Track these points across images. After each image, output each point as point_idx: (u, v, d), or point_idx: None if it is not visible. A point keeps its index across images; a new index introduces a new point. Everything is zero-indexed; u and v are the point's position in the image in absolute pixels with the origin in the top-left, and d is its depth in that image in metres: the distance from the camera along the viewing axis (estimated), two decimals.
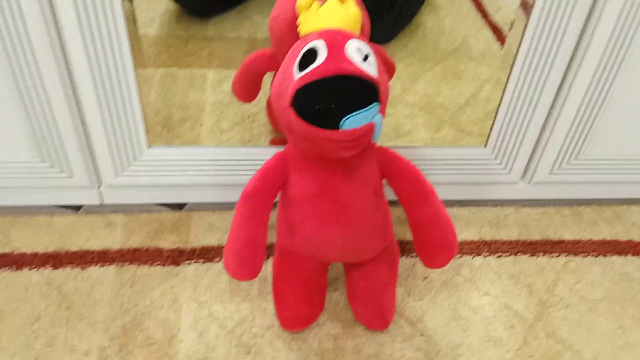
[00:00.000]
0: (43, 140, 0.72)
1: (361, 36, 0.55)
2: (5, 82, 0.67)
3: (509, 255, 0.81)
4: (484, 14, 1.08)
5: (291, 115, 0.52)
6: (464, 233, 0.84)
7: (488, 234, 0.84)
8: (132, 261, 0.76)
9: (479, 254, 0.81)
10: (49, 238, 0.79)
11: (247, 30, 0.99)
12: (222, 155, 0.78)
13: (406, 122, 0.92)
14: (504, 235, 0.84)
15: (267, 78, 0.79)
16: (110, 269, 0.75)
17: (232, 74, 0.81)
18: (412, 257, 0.79)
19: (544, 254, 0.82)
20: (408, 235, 0.83)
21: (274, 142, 0.86)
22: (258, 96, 0.81)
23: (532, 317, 0.73)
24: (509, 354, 0.69)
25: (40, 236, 0.79)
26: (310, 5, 0.55)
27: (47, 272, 0.74)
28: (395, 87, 0.95)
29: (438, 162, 0.81)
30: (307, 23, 0.55)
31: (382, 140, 0.80)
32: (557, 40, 0.69)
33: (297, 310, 0.69)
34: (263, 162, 0.62)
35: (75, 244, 0.78)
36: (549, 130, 0.78)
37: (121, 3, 0.62)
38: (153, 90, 0.90)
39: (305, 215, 0.61)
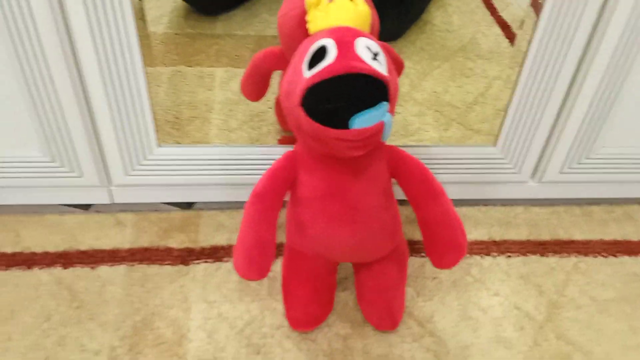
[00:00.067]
0: (53, 139, 0.73)
1: (371, 34, 0.54)
2: (15, 80, 0.67)
3: (519, 255, 0.81)
4: (493, 11, 1.07)
5: (300, 115, 0.52)
6: (473, 233, 0.83)
7: (497, 234, 0.83)
8: (142, 260, 0.77)
9: (488, 254, 0.80)
10: (59, 237, 0.79)
11: (255, 28, 0.99)
12: (232, 155, 0.78)
13: (414, 121, 0.91)
14: (514, 235, 0.84)
15: (276, 76, 0.78)
16: (120, 269, 0.75)
17: (240, 72, 0.81)
18: (421, 256, 0.79)
19: (554, 254, 0.81)
20: (417, 235, 0.82)
21: (283, 141, 0.86)
22: (266, 94, 0.81)
23: (542, 317, 0.73)
24: (519, 355, 0.69)
25: (50, 235, 0.79)
26: (320, 3, 0.55)
27: (57, 271, 0.75)
28: (403, 84, 0.94)
29: (447, 161, 0.81)
30: (317, 21, 0.54)
31: (391, 138, 0.80)
32: (568, 39, 0.68)
33: (306, 310, 0.69)
34: (272, 161, 0.62)
35: (85, 243, 0.78)
36: (559, 129, 0.78)
37: (131, 1, 0.62)
38: (161, 88, 0.90)
39: (314, 215, 0.61)
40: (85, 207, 0.83)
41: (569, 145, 0.79)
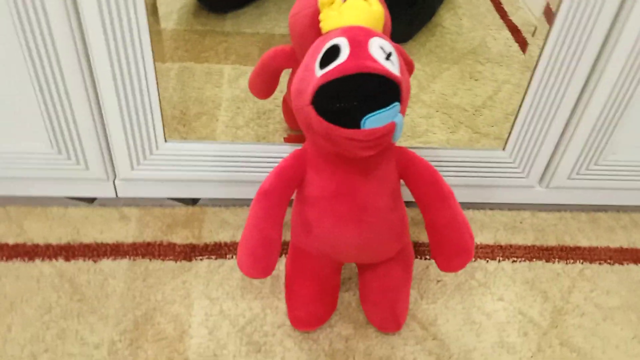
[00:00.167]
0: (60, 131, 0.72)
1: (384, 34, 0.54)
2: (25, 72, 0.67)
3: (524, 261, 0.80)
4: (503, 14, 1.07)
5: (311, 114, 0.51)
6: (479, 236, 0.83)
7: (503, 238, 0.83)
8: (144, 255, 0.76)
9: (493, 258, 0.80)
10: (62, 229, 0.79)
11: (264, 26, 0.99)
12: (238, 152, 0.78)
13: (422, 122, 0.91)
14: (520, 239, 0.83)
15: (284, 75, 0.78)
16: (123, 263, 0.75)
17: (248, 70, 0.81)
18: (425, 259, 0.79)
19: (559, 260, 0.81)
20: (421, 237, 0.82)
21: (289, 140, 0.86)
22: (274, 93, 0.81)
23: (546, 324, 0.73)
24: None
25: (53, 227, 0.79)
26: (333, 2, 0.54)
27: (59, 263, 0.75)
28: (412, 86, 0.94)
29: (455, 164, 0.80)
30: (330, 20, 0.54)
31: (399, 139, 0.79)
32: (580, 47, 0.68)
33: (309, 310, 0.68)
34: (278, 160, 0.62)
35: (89, 236, 0.78)
36: (568, 135, 0.77)
37: None
38: (169, 84, 0.90)
39: (321, 214, 0.61)
40: (90, 201, 0.83)
41: (578, 152, 0.79)
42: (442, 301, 0.74)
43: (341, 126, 0.50)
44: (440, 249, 0.64)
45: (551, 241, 0.83)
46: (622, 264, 0.81)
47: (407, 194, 0.63)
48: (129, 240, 0.78)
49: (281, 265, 0.75)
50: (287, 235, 0.67)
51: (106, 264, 0.75)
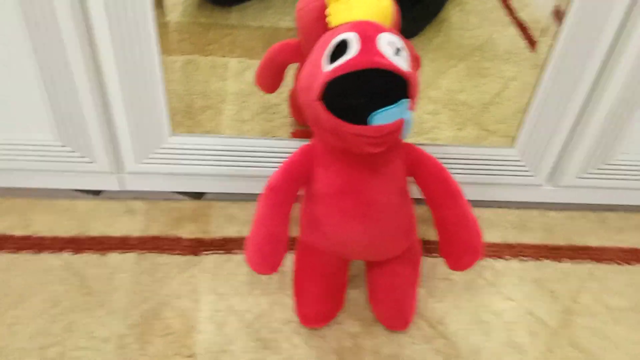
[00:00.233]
0: (66, 124, 0.72)
1: (393, 29, 0.53)
2: (30, 63, 0.66)
3: (533, 260, 0.80)
4: (511, 11, 1.06)
5: (319, 109, 0.51)
6: (487, 235, 0.82)
7: (511, 237, 0.83)
8: (151, 249, 0.76)
9: (501, 257, 0.80)
10: (69, 222, 0.78)
11: (270, 19, 0.98)
12: (245, 146, 0.77)
13: (429, 119, 0.90)
14: (528, 238, 0.83)
15: (290, 69, 0.78)
16: (130, 256, 0.75)
17: (254, 63, 0.81)
18: (433, 257, 0.78)
19: (568, 260, 0.80)
20: (429, 235, 0.81)
21: (296, 135, 0.86)
22: (280, 87, 0.80)
23: (555, 324, 0.72)
24: None
25: (60, 220, 0.79)
26: None
27: (67, 256, 0.74)
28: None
29: (463, 161, 0.80)
30: (338, 14, 0.53)
31: None
32: (590, 46, 0.68)
33: (316, 307, 0.68)
34: (285, 155, 0.62)
35: (96, 230, 0.78)
36: (578, 134, 0.77)
37: None
38: (175, 77, 0.89)
39: (329, 211, 0.61)
40: (96, 193, 0.83)
41: (588, 151, 0.78)
42: (451, 300, 0.74)
43: (349, 122, 0.50)
44: (449, 247, 0.64)
45: (560, 240, 0.83)
46: (631, 264, 0.80)
47: (415, 191, 0.63)
48: (136, 233, 0.78)
49: (289, 261, 0.74)
50: (294, 231, 0.67)
51: (113, 257, 0.75)
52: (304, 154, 0.60)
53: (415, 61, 0.76)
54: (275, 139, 0.78)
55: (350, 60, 0.49)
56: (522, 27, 1.03)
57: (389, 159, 0.58)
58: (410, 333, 0.70)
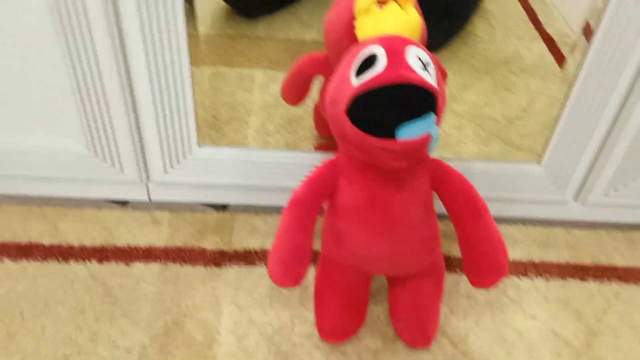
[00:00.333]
0: (97, 133, 0.73)
1: (420, 43, 0.53)
2: (65, 73, 0.68)
3: (558, 279, 0.78)
4: (538, 25, 1.05)
5: (346, 123, 0.51)
6: (511, 252, 0.81)
7: (536, 255, 0.81)
8: (175, 260, 0.77)
9: (526, 275, 0.78)
10: (96, 231, 0.80)
11: (296, 32, 0.99)
12: (269, 158, 0.78)
13: (454, 133, 0.90)
14: (553, 257, 0.81)
15: (316, 82, 0.78)
16: (155, 267, 0.76)
17: (279, 75, 0.81)
18: (456, 273, 0.78)
19: (594, 279, 0.79)
20: (452, 251, 0.81)
21: (320, 148, 0.86)
22: (305, 99, 0.81)
23: (580, 345, 0.71)
24: None
25: (88, 229, 0.80)
26: (370, 9, 0.54)
27: (92, 265, 0.75)
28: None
29: (488, 177, 0.79)
30: (366, 28, 0.54)
31: None
32: (621, 63, 0.67)
33: (337, 322, 0.68)
34: (309, 167, 0.62)
35: (122, 239, 0.79)
36: (606, 151, 0.76)
37: (182, 1, 0.62)
38: (202, 88, 0.90)
39: (353, 225, 0.61)
40: (123, 203, 0.84)
41: (616, 168, 0.77)
42: (473, 317, 0.73)
43: (376, 136, 0.50)
44: (473, 264, 0.63)
45: (586, 260, 0.81)
46: None
47: (438, 206, 0.63)
48: (161, 244, 0.79)
49: (310, 274, 0.75)
50: (317, 245, 0.67)
51: (138, 267, 0.75)
52: (329, 167, 0.60)
53: (442, 75, 0.76)
54: (299, 152, 0.79)
55: (379, 75, 0.49)
56: (550, 42, 1.02)
57: (414, 173, 0.58)
58: (431, 350, 0.69)
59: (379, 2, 0.54)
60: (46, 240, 0.78)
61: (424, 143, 0.51)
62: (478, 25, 1.06)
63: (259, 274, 0.76)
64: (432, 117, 0.50)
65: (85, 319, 0.69)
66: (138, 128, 0.74)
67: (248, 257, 0.78)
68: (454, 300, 0.75)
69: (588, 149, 0.76)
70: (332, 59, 0.68)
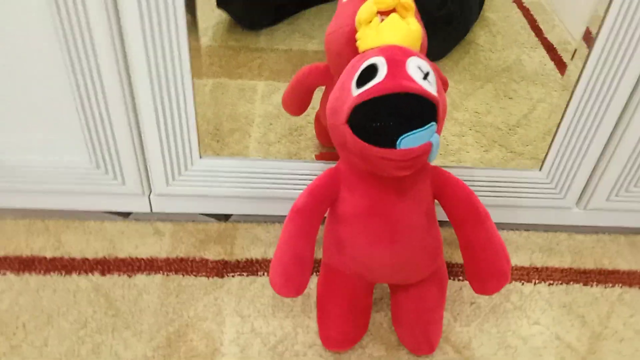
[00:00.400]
0: (99, 146, 0.74)
1: (421, 53, 0.54)
2: (67, 88, 0.68)
3: (561, 284, 0.78)
4: (538, 32, 1.06)
5: (346, 132, 0.51)
6: (514, 258, 0.81)
7: (539, 260, 0.81)
8: (177, 271, 0.77)
9: (529, 281, 0.78)
10: (99, 244, 0.80)
11: (298, 42, 0.99)
12: (271, 168, 0.78)
13: (455, 141, 0.90)
14: (556, 262, 0.81)
15: (317, 92, 0.78)
16: (157, 278, 0.76)
17: (281, 86, 0.82)
18: (459, 280, 0.78)
19: (597, 284, 0.79)
20: (455, 258, 0.81)
21: (321, 157, 0.86)
22: (307, 109, 0.81)
23: (584, 350, 0.71)
24: None
25: (90, 241, 0.80)
26: (371, 20, 0.54)
27: (95, 278, 0.76)
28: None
29: (490, 184, 0.79)
30: (367, 38, 0.54)
31: None
32: (621, 69, 0.67)
33: (340, 330, 0.68)
34: (310, 177, 0.62)
35: (124, 251, 0.79)
36: (608, 156, 0.76)
37: (184, 14, 0.63)
38: (204, 100, 0.91)
39: (354, 233, 0.61)
40: (125, 215, 0.84)
41: (618, 173, 0.77)
42: (477, 324, 0.73)
43: (376, 145, 0.50)
44: (476, 271, 0.63)
45: (589, 264, 0.81)
46: None
47: (440, 213, 0.63)
48: (163, 255, 0.79)
49: (312, 283, 0.75)
50: (318, 254, 0.67)
51: (140, 278, 0.76)
52: (330, 176, 0.61)
53: (443, 84, 0.76)
54: (301, 161, 0.79)
55: (379, 84, 0.49)
56: (551, 49, 1.02)
57: (415, 181, 0.58)
58: (435, 358, 0.69)
59: (379, 13, 0.55)
60: (49, 253, 0.78)
61: (425, 152, 0.51)
62: (479, 34, 1.06)
63: (261, 283, 0.76)
64: (433, 126, 0.50)
65: (87, 331, 0.69)
66: (140, 141, 0.74)
67: (250, 267, 0.78)
68: (457, 306, 0.75)
69: (589, 155, 0.76)
70: (333, 70, 0.68)
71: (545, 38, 1.04)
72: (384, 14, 0.55)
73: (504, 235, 0.84)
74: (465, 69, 1.01)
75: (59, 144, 0.74)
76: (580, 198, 0.82)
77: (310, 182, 0.61)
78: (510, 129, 0.92)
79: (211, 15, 1.00)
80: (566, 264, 0.81)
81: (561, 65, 0.99)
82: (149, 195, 0.80)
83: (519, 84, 0.99)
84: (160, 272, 0.77)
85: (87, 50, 0.65)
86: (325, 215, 0.63)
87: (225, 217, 0.85)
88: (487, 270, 0.62)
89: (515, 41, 1.06)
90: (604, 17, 0.64)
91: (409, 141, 0.49)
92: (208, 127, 0.87)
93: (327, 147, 0.87)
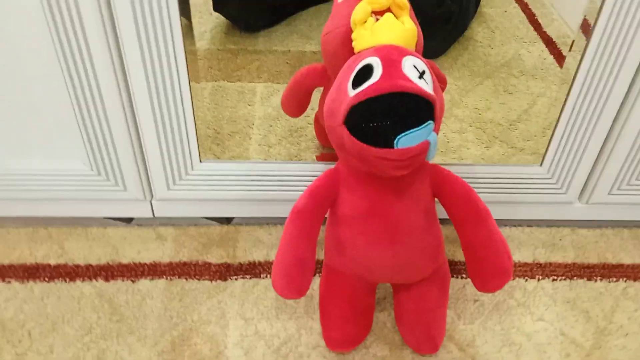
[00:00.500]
0: (99, 153, 0.74)
1: (417, 52, 0.54)
2: (64, 94, 0.68)
3: (565, 279, 0.78)
4: (537, 27, 1.05)
5: (344, 133, 0.51)
6: (517, 254, 0.81)
7: (542, 256, 0.81)
8: (181, 275, 0.77)
9: (532, 277, 0.78)
10: (102, 250, 0.80)
11: (295, 44, 1.00)
12: (271, 171, 0.78)
13: (455, 138, 0.90)
14: (559, 257, 0.81)
15: (316, 92, 0.78)
16: (160, 283, 0.76)
17: (280, 88, 0.82)
18: (462, 278, 0.78)
19: (601, 279, 0.78)
20: (458, 255, 0.81)
21: (321, 158, 0.86)
22: (306, 110, 0.81)
23: (589, 345, 0.70)
24: None
25: (93, 248, 0.80)
26: (366, 21, 0.54)
27: (99, 284, 0.76)
28: (444, 101, 0.93)
29: (491, 180, 0.79)
30: (362, 39, 0.54)
31: None
32: (620, 60, 0.67)
33: (343, 331, 0.68)
34: (311, 178, 0.62)
35: (127, 257, 0.79)
36: (608, 149, 0.75)
37: (179, 18, 0.63)
38: (203, 103, 0.91)
39: (355, 234, 0.61)
40: (128, 221, 0.85)
41: (619, 166, 0.77)
42: (480, 321, 0.73)
43: (374, 146, 0.50)
44: (477, 269, 0.63)
45: (592, 259, 0.81)
46: None
47: (441, 211, 0.63)
48: (166, 259, 0.79)
49: (315, 284, 0.75)
50: (320, 255, 0.67)
51: (144, 284, 0.76)
52: (329, 177, 0.61)
53: (442, 82, 0.76)
54: (301, 163, 0.79)
55: (374, 84, 0.49)
56: (550, 43, 1.02)
57: (414, 180, 0.58)
58: (439, 356, 0.69)
59: (374, 13, 0.55)
60: (52, 261, 0.78)
61: (422, 151, 0.51)
62: (477, 30, 1.06)
63: (264, 285, 0.76)
64: (430, 124, 0.50)
65: (92, 337, 0.70)
66: (140, 147, 0.75)
67: (253, 270, 0.78)
68: (460, 304, 0.74)
69: (590, 148, 0.75)
70: (330, 71, 0.68)
71: (544, 32, 1.04)
72: (379, 13, 0.55)
73: (506, 231, 0.84)
74: (464, 65, 1.01)
75: (60, 152, 0.75)
76: (582, 192, 0.81)
77: (310, 183, 0.61)
78: (510, 125, 0.92)
79: (209, 19, 1.00)
80: (569, 259, 0.81)
81: (560, 59, 0.99)
82: (151, 200, 0.80)
83: (519, 79, 0.99)
84: (164, 276, 0.77)
85: (84, 57, 0.65)
86: (326, 216, 0.63)
87: (227, 220, 0.85)
88: (488, 268, 0.62)
89: (514, 36, 1.06)
90: (601, 6, 0.63)
91: (406, 140, 0.49)
92: (208, 131, 0.87)
93: (328, 148, 0.87)
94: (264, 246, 0.81)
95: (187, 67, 0.67)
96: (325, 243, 0.66)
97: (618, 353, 0.70)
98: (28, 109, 0.70)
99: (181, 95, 0.69)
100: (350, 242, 0.61)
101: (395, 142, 0.49)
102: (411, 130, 0.49)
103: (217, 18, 1.00)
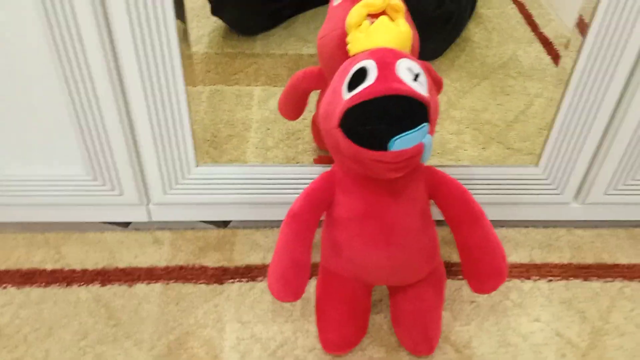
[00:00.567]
0: (95, 158, 0.74)
1: (411, 55, 0.54)
2: (61, 99, 0.68)
3: (561, 280, 0.78)
4: (534, 27, 1.05)
5: (339, 136, 0.52)
6: (513, 255, 0.81)
7: (538, 257, 0.81)
8: (177, 279, 0.77)
9: (528, 278, 0.78)
10: (98, 254, 0.80)
11: (293, 47, 1.00)
12: (268, 174, 0.78)
13: (452, 139, 0.90)
14: (556, 258, 0.81)
15: (313, 95, 0.79)
16: (157, 287, 0.76)
17: (278, 91, 0.82)
18: (458, 279, 0.78)
19: (597, 279, 0.78)
20: (454, 257, 0.81)
21: (319, 161, 0.86)
22: (303, 113, 0.81)
23: (585, 345, 0.70)
24: None
25: (90, 252, 0.81)
26: (361, 24, 0.54)
27: (95, 288, 0.76)
28: (441, 102, 0.93)
29: (487, 181, 0.79)
30: (357, 42, 0.54)
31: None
32: (615, 59, 0.67)
33: (340, 333, 0.68)
34: (308, 181, 0.62)
35: (124, 261, 0.79)
36: (604, 149, 0.75)
37: (175, 22, 0.63)
38: (201, 107, 0.91)
39: (351, 236, 0.61)
40: (125, 225, 0.85)
41: (615, 166, 0.77)
42: (476, 323, 0.73)
43: (369, 148, 0.50)
44: (473, 270, 0.63)
45: (588, 259, 0.81)
46: None
47: (437, 213, 0.63)
48: (162, 264, 0.79)
49: (311, 287, 0.75)
50: (316, 257, 0.67)
51: (140, 288, 0.76)
52: (325, 180, 0.61)
53: (437, 84, 0.76)
54: (298, 166, 0.79)
55: (369, 87, 0.49)
56: (547, 43, 1.02)
57: (409, 182, 0.59)
58: (435, 358, 0.69)
59: (369, 16, 0.55)
60: (49, 266, 0.79)
61: (417, 153, 0.51)
62: (474, 31, 1.06)
63: (260, 289, 0.76)
64: (425, 127, 0.51)
65: (88, 342, 0.70)
66: (136, 151, 0.75)
67: (250, 273, 0.78)
68: (456, 306, 0.74)
69: (586, 148, 0.75)
70: (326, 73, 0.68)
71: (541, 33, 1.04)
72: (374, 16, 0.55)
73: (503, 232, 0.84)
74: (461, 66, 1.01)
75: (56, 157, 0.75)
76: (578, 193, 0.81)
77: (306, 186, 0.61)
78: (507, 125, 0.92)
79: (207, 23, 1.01)
80: (566, 260, 0.81)
81: (557, 60, 0.99)
82: (147, 204, 0.81)
83: (516, 80, 0.99)
84: (160, 280, 0.77)
85: (80, 62, 0.65)
86: (322, 218, 0.63)
87: (224, 224, 0.86)
88: (483, 269, 0.62)
89: (511, 37, 1.06)
90: (597, 4, 0.63)
91: (401, 143, 0.50)
92: (205, 134, 0.87)
93: (325, 151, 0.87)
94: (261, 249, 0.81)
95: (184, 71, 0.67)
96: (322, 245, 0.66)
97: (614, 353, 0.70)
98: (24, 115, 0.71)
99: (177, 99, 0.69)
100: (346, 244, 0.62)
101: (390, 144, 0.50)
102: (406, 133, 0.49)
103: (215, 22, 1.00)
